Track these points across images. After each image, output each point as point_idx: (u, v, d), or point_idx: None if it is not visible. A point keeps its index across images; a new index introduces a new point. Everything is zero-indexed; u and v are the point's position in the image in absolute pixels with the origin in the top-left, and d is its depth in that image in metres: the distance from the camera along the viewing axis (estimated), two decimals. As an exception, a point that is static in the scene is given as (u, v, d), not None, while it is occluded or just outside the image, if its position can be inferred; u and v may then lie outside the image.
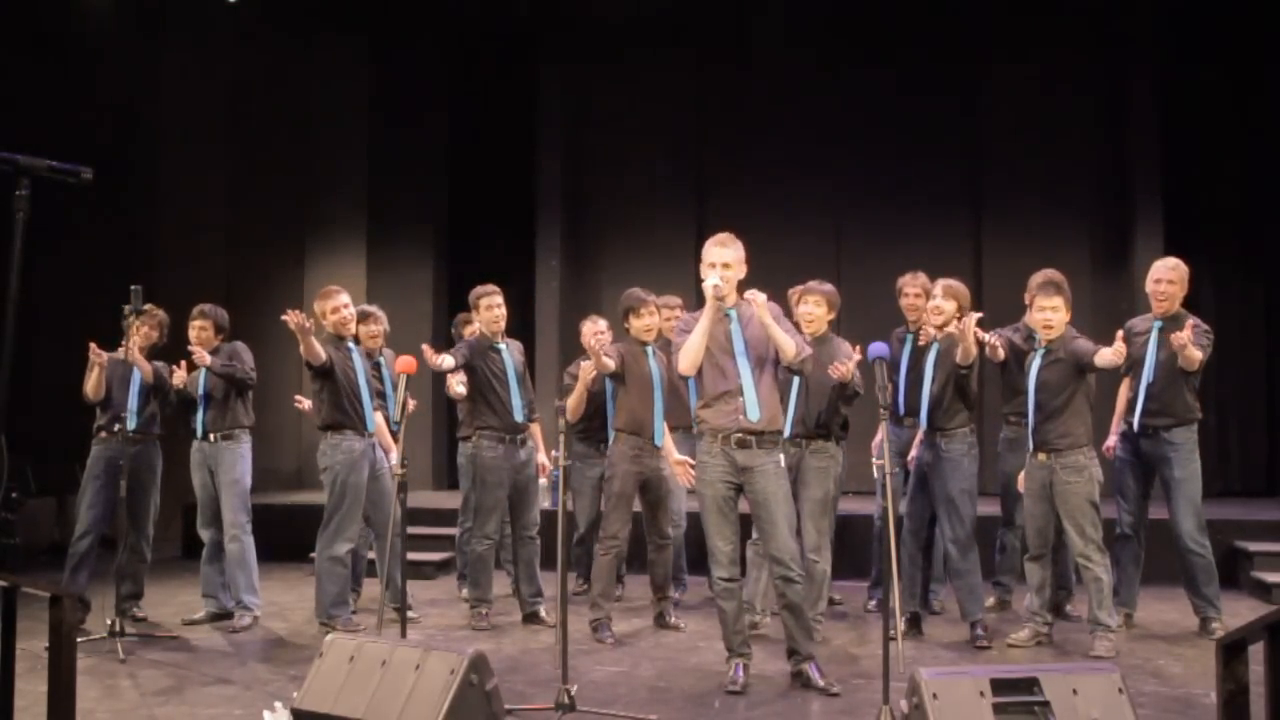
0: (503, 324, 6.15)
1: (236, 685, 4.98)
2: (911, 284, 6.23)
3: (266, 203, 10.01)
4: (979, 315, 5.48)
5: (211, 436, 6.28)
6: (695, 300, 8.76)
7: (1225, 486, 9.27)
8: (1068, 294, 5.52)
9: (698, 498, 4.93)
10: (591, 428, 6.41)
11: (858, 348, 5.42)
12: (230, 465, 6.24)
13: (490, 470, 6.06)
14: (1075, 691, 3.50)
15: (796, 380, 5.55)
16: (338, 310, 6.15)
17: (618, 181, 10.27)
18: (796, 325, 5.59)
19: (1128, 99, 9.44)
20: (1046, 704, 3.47)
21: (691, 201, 10.16)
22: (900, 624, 5.19)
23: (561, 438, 4.57)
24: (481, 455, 6.10)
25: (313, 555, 6.17)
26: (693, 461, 5.86)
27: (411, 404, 6.10)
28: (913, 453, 5.92)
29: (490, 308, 6.11)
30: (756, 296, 4.69)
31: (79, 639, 4.85)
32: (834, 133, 9.91)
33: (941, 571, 6.25)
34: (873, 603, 6.51)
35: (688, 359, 4.75)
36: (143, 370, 6.15)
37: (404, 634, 4.81)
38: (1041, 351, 5.54)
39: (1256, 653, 2.85)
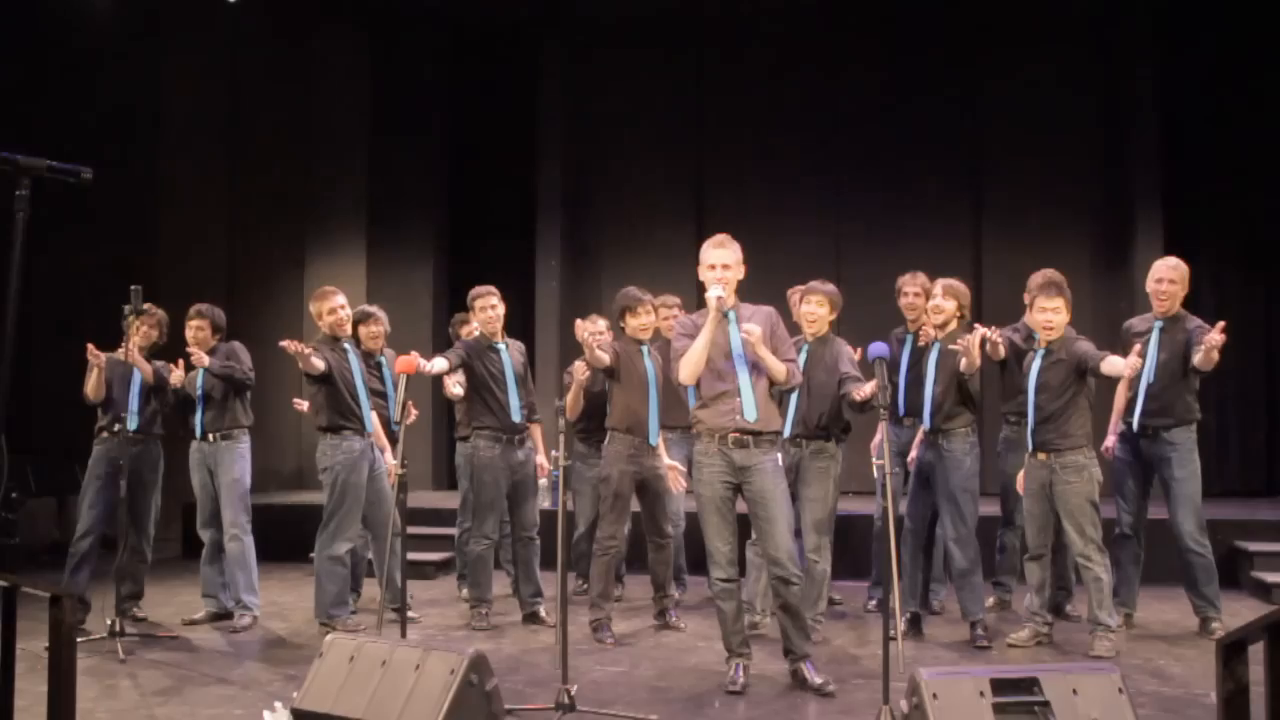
0: (499, 324, 6.15)
1: (236, 685, 4.98)
2: (911, 284, 6.24)
3: (266, 203, 10.01)
4: (984, 332, 5.46)
5: (210, 436, 6.28)
6: (695, 301, 8.77)
7: (1225, 486, 9.27)
8: (1068, 294, 5.52)
9: (695, 498, 4.92)
10: (592, 428, 6.41)
11: (859, 351, 5.41)
12: (230, 465, 6.24)
13: (487, 470, 6.06)
14: (1075, 691, 3.50)
15: (796, 380, 5.55)
16: (334, 311, 6.15)
17: (618, 181, 10.27)
18: (796, 326, 5.59)
19: (1128, 99, 9.44)
20: (1046, 704, 3.47)
21: (691, 201, 10.17)
22: (900, 624, 5.19)
23: (561, 437, 4.56)
24: (479, 455, 6.10)
25: (312, 555, 6.17)
26: (683, 469, 5.89)
27: (414, 413, 6.11)
28: (913, 453, 5.92)
29: (486, 308, 6.10)
30: (752, 332, 4.65)
31: (79, 639, 4.87)
32: (834, 133, 9.92)
33: (941, 571, 6.26)
34: (873, 603, 6.51)
35: (688, 370, 4.74)
36: (143, 370, 6.14)
37: (404, 634, 4.81)
38: (1042, 352, 5.54)
39: (1256, 653, 2.85)
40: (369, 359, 6.39)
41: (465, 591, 6.64)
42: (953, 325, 5.75)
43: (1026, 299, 5.89)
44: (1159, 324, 5.91)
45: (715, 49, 10.26)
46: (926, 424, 5.75)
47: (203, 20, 9.31)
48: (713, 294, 4.68)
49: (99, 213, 8.30)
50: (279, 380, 8.46)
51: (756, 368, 4.74)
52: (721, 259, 4.76)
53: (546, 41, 10.22)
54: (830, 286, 5.70)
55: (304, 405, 6.43)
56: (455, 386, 6.05)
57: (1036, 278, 5.70)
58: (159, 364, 6.29)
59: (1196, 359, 5.62)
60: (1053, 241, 9.25)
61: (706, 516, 4.78)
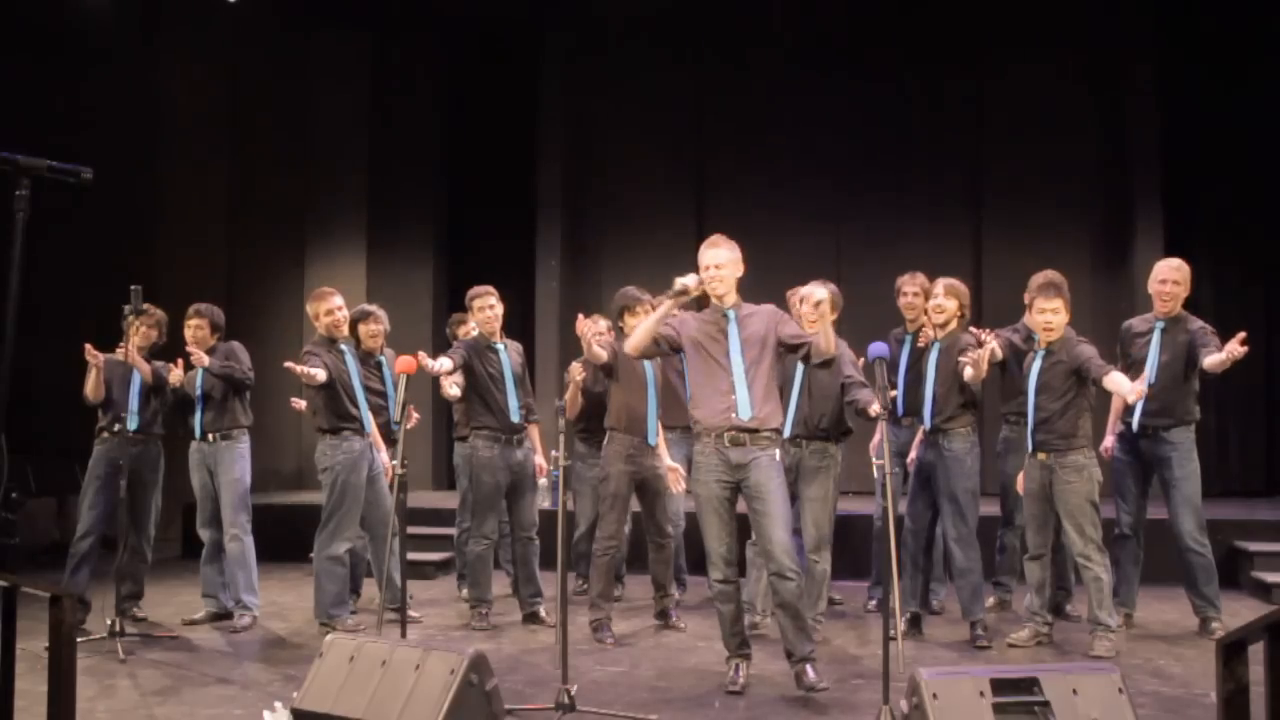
0: (498, 324, 6.14)
1: (236, 685, 4.98)
2: (910, 284, 6.24)
3: (266, 203, 10.01)
4: (992, 346, 5.47)
5: (210, 436, 6.28)
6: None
7: (1225, 486, 9.27)
8: (1067, 295, 5.52)
9: (694, 498, 4.91)
10: (592, 428, 6.41)
11: (861, 361, 5.38)
12: (229, 465, 6.23)
13: (486, 469, 6.06)
14: (1075, 691, 3.50)
15: (797, 380, 5.55)
16: (331, 313, 6.15)
17: (618, 181, 10.28)
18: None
19: (1128, 99, 9.44)
20: (1046, 704, 3.47)
21: (691, 201, 10.17)
22: (900, 624, 5.19)
23: (561, 437, 4.56)
24: (478, 455, 6.10)
25: (311, 555, 6.17)
26: (683, 471, 5.89)
27: (415, 417, 6.12)
28: (912, 453, 5.92)
29: (484, 308, 6.10)
30: (811, 297, 4.77)
31: (79, 639, 4.87)
32: (834, 133, 9.92)
33: (942, 571, 6.26)
34: (873, 603, 6.51)
35: (633, 340, 4.84)
36: (142, 371, 6.14)
37: (404, 634, 4.80)
38: (1042, 353, 5.54)
39: (1256, 653, 2.85)
40: (369, 358, 6.39)
41: (465, 591, 6.64)
42: (953, 325, 5.75)
43: (1026, 299, 5.89)
44: (1160, 324, 5.91)
45: (715, 49, 10.26)
46: (926, 424, 5.75)
47: (203, 20, 9.31)
48: (686, 280, 4.70)
49: (99, 213, 8.29)
50: (279, 380, 8.41)
51: (755, 365, 4.72)
52: (715, 259, 4.77)
53: (546, 41, 10.22)
54: (830, 286, 5.69)
55: (301, 404, 6.43)
56: (452, 387, 6.04)
57: (1036, 279, 5.69)
58: (158, 364, 6.29)
59: (1208, 364, 5.60)
60: (1053, 241, 9.25)
61: (704, 517, 4.77)
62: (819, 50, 9.97)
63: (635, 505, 5.98)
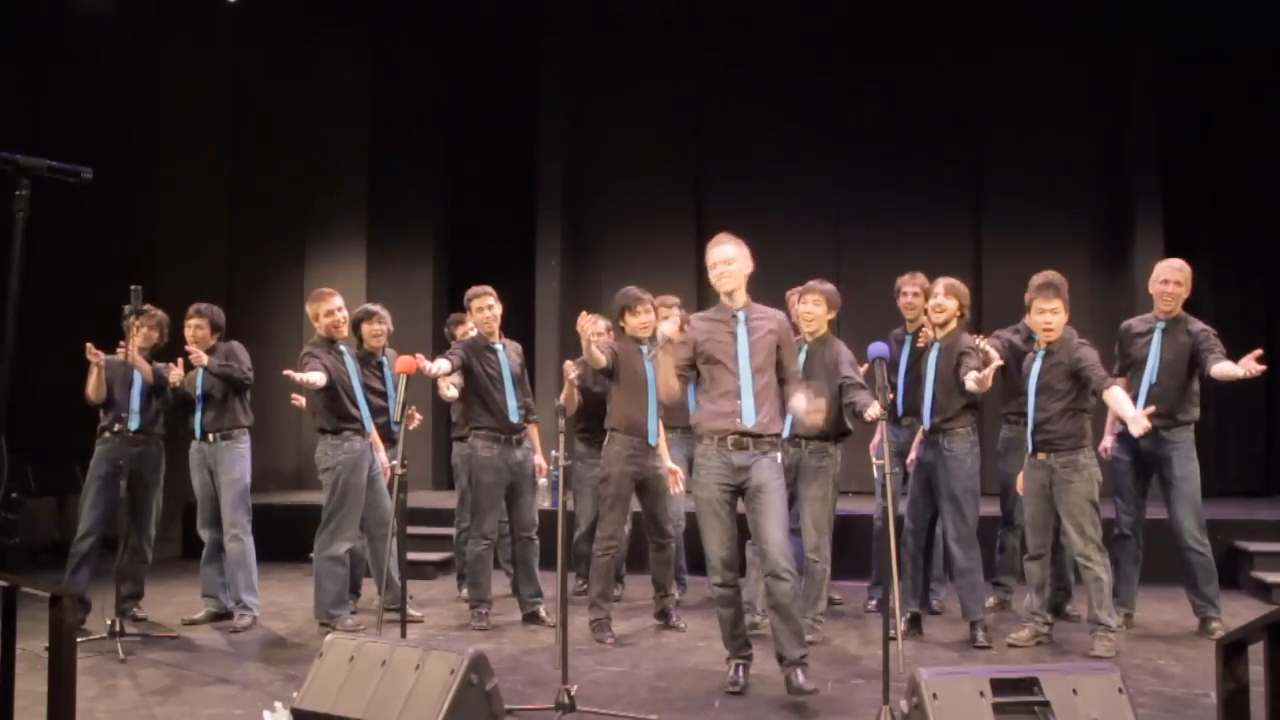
0: (496, 324, 6.14)
1: (236, 685, 4.98)
2: (910, 284, 6.24)
3: (266, 203, 10.01)
4: (998, 362, 5.47)
5: (210, 436, 6.28)
6: (695, 301, 8.79)
7: (1225, 486, 9.28)
8: (1066, 296, 5.53)
9: (694, 500, 4.90)
10: (592, 428, 6.41)
11: (865, 368, 5.37)
12: (229, 465, 6.24)
13: (486, 470, 6.06)
14: (1075, 691, 3.50)
15: (797, 380, 5.54)
16: (331, 313, 6.15)
17: (618, 181, 10.28)
18: (795, 326, 5.58)
19: (1128, 99, 9.44)
20: (1046, 704, 3.47)
21: (691, 201, 10.17)
22: (900, 624, 5.19)
23: (561, 437, 4.56)
24: (477, 455, 6.10)
25: (312, 555, 6.17)
26: (683, 473, 5.89)
27: (418, 418, 6.11)
28: (912, 454, 5.92)
29: (483, 308, 6.10)
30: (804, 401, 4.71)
31: (79, 639, 4.86)
32: (834, 133, 9.92)
33: (942, 571, 6.26)
34: (873, 603, 6.51)
35: (666, 391, 4.76)
36: (143, 371, 6.14)
37: (404, 634, 4.80)
38: (1042, 353, 5.54)
39: (1256, 653, 2.85)
40: (370, 358, 6.39)
41: (465, 591, 6.64)
42: (953, 325, 5.75)
43: (1026, 300, 5.89)
44: (1161, 324, 5.91)
45: (715, 49, 10.26)
46: (926, 424, 5.75)
47: (203, 20, 9.31)
48: (664, 329, 4.71)
49: (99, 213, 8.30)
50: (279, 380, 8.42)
51: (760, 371, 4.68)
52: (723, 255, 4.73)
53: (546, 41, 10.22)
54: (828, 286, 5.69)
55: (301, 401, 6.44)
56: (449, 388, 6.04)
57: (1036, 279, 5.69)
58: (159, 365, 6.29)
59: (1216, 372, 5.60)
60: (1053, 241, 9.25)
61: (704, 520, 4.73)
62: (819, 50, 9.97)
63: (635, 505, 5.98)
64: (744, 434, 4.65)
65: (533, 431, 6.35)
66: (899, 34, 9.86)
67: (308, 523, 6.49)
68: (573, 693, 4.30)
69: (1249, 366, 5.39)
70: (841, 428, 5.63)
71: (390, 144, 10.35)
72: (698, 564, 6.83)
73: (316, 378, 5.88)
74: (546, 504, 6.97)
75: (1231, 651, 2.96)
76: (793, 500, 5.37)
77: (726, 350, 4.70)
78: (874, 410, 4.90)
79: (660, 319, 6.15)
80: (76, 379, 6.13)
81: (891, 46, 9.88)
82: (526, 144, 10.21)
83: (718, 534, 4.71)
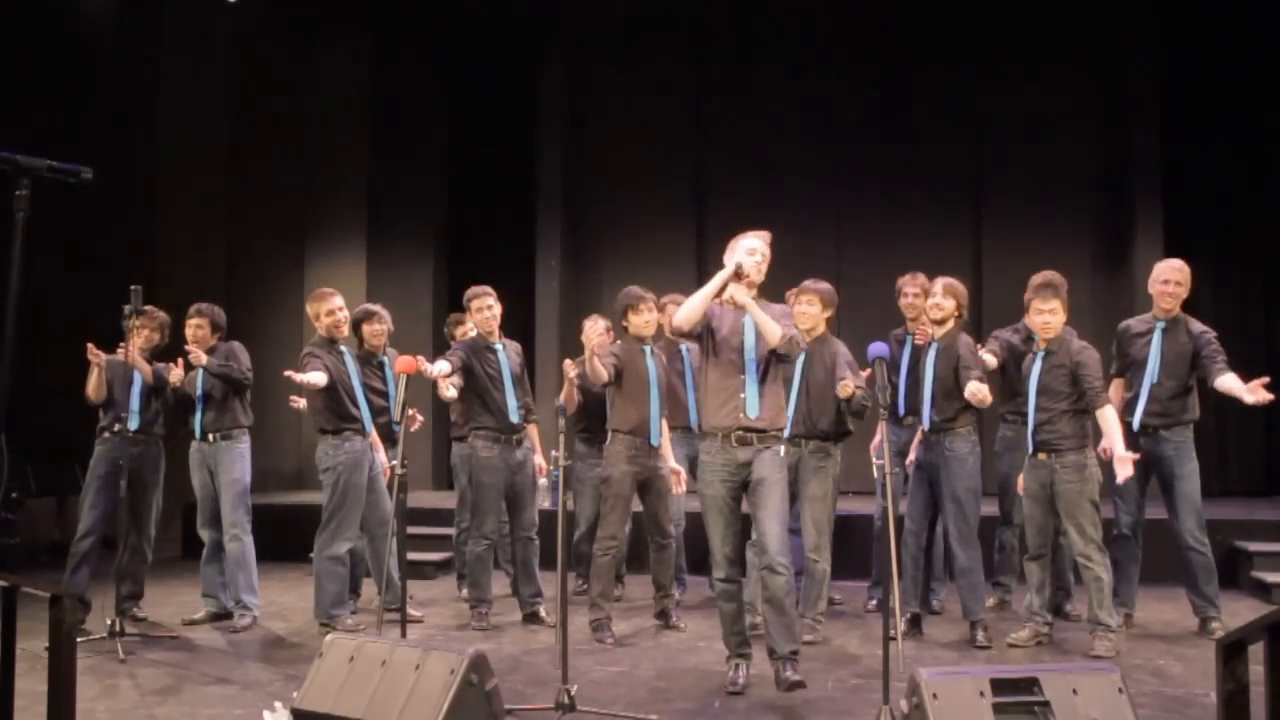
0: (496, 324, 6.14)
1: (236, 685, 4.98)
2: (910, 284, 6.24)
3: (266, 203, 10.01)
4: (995, 365, 5.47)
5: (210, 436, 6.28)
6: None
7: (1225, 486, 9.28)
8: (1065, 296, 5.54)
9: (699, 498, 4.91)
10: (593, 428, 6.41)
11: (867, 372, 5.36)
12: (229, 465, 6.24)
13: (486, 470, 6.06)
14: (1075, 691, 3.50)
15: (796, 380, 5.55)
16: (332, 313, 6.15)
17: (618, 181, 10.28)
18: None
19: (1128, 99, 9.44)
20: (1046, 704, 3.47)
21: (691, 201, 10.17)
22: (900, 624, 5.18)
23: (561, 437, 4.56)
24: (477, 455, 6.10)
25: (312, 555, 6.17)
26: (684, 473, 5.88)
27: (419, 419, 6.10)
28: (912, 454, 5.92)
29: (483, 309, 6.10)
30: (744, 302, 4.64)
31: (79, 639, 4.86)
32: (834, 133, 9.92)
33: (941, 571, 6.26)
34: (873, 603, 6.51)
35: (687, 313, 4.63)
36: (143, 371, 6.14)
37: (404, 634, 4.80)
38: (1042, 354, 5.54)
39: (1256, 653, 2.85)
40: (371, 358, 6.38)
41: (465, 591, 6.64)
42: (951, 324, 5.75)
43: (1026, 300, 5.89)
44: (1161, 325, 5.91)
45: (715, 49, 10.26)
46: (926, 424, 5.76)
47: (203, 20, 9.31)
48: (747, 262, 4.63)
49: (99, 213, 8.29)
50: (279, 380, 8.43)
51: (767, 365, 4.70)
52: (759, 245, 4.72)
53: (546, 42, 10.22)
54: (824, 285, 5.70)
55: (301, 403, 6.44)
56: (449, 389, 6.04)
57: (1034, 279, 5.70)
58: (159, 365, 6.29)
59: (1220, 384, 5.61)
60: (1053, 241, 9.25)
61: (709, 517, 4.75)
62: (819, 50, 9.97)
63: (636, 505, 5.98)
64: (748, 428, 4.66)
65: (533, 431, 6.35)
66: (899, 34, 9.86)
67: (308, 523, 6.49)
68: (573, 693, 4.30)
69: (1258, 395, 5.40)
70: (842, 427, 5.63)
71: (390, 144, 10.35)
72: (698, 564, 6.86)
73: (317, 378, 5.88)
74: (546, 504, 6.97)
75: (1231, 651, 2.96)
76: (793, 500, 5.37)
77: (735, 343, 4.71)
78: (849, 384, 5.18)
79: (664, 318, 6.16)
80: (77, 379, 6.13)
81: (892, 47, 9.88)
82: (526, 144, 10.21)
83: (722, 530, 4.73)
